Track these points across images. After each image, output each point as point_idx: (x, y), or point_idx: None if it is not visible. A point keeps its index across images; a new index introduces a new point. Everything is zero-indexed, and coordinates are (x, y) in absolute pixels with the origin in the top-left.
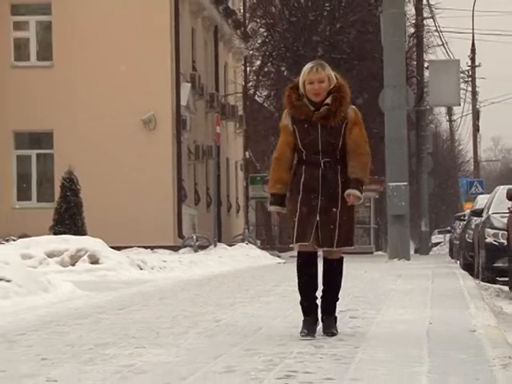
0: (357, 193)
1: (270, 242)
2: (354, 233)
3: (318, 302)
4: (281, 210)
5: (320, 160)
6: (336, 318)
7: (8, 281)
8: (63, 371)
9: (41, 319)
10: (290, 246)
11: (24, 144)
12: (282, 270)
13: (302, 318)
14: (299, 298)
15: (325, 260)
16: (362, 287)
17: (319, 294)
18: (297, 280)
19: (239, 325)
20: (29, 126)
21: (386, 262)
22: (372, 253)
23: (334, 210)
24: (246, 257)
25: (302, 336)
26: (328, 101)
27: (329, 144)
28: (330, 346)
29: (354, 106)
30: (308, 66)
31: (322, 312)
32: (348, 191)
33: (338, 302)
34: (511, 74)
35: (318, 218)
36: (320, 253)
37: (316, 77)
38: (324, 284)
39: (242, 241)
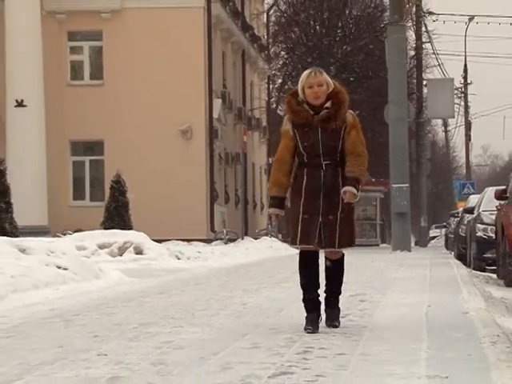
0: (353, 190)
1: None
2: (356, 232)
3: (321, 298)
4: (279, 212)
5: (321, 162)
6: (339, 309)
7: (65, 269)
8: (112, 346)
9: (93, 302)
10: (292, 247)
11: (79, 151)
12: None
13: (305, 315)
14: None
15: (326, 259)
16: (369, 275)
17: (321, 291)
18: (299, 278)
19: (263, 307)
20: (83, 136)
21: (390, 253)
22: (378, 245)
23: (336, 211)
24: (269, 248)
25: (308, 332)
26: (327, 105)
27: (329, 147)
28: (342, 325)
29: (351, 111)
30: (306, 72)
31: (326, 305)
32: (344, 188)
33: (341, 296)
34: (499, 91)
35: (320, 220)
36: (321, 251)
37: (315, 81)
38: (327, 281)
39: (266, 234)
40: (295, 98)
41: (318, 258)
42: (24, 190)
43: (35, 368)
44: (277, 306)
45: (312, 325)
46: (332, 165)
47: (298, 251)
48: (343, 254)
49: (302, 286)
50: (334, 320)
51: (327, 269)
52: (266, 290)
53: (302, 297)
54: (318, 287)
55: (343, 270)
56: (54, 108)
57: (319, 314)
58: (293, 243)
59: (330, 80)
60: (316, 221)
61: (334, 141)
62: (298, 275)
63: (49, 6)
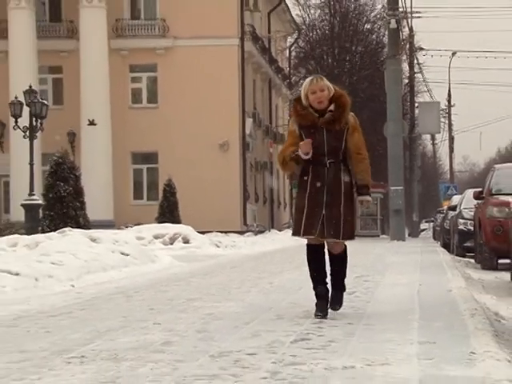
0: (368, 198)
1: None
2: (356, 226)
3: (329, 285)
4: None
5: (326, 161)
6: (344, 290)
7: (127, 255)
8: (165, 317)
9: (150, 281)
10: (294, 236)
11: (138, 160)
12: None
13: (315, 302)
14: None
15: (329, 252)
16: (372, 260)
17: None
18: (308, 270)
19: (286, 286)
20: (141, 148)
21: (388, 242)
22: (378, 236)
23: (338, 205)
24: (291, 239)
25: (318, 318)
26: (331, 108)
27: (333, 146)
28: (350, 300)
29: (352, 114)
30: (308, 79)
31: (332, 287)
32: (361, 198)
33: (349, 278)
34: (476, 112)
35: (323, 212)
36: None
37: (317, 87)
38: (332, 270)
39: (288, 227)
40: (300, 103)
41: (323, 251)
42: (94, 191)
43: (104, 334)
44: (297, 285)
45: (321, 311)
46: (335, 163)
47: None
48: (345, 248)
49: (311, 277)
50: (335, 303)
51: (331, 262)
52: (287, 272)
53: (312, 285)
54: (326, 277)
55: (346, 260)
56: (118, 126)
57: (328, 301)
58: (296, 233)
59: (330, 85)
60: (319, 213)
61: (337, 141)
62: (307, 267)
63: (114, 45)
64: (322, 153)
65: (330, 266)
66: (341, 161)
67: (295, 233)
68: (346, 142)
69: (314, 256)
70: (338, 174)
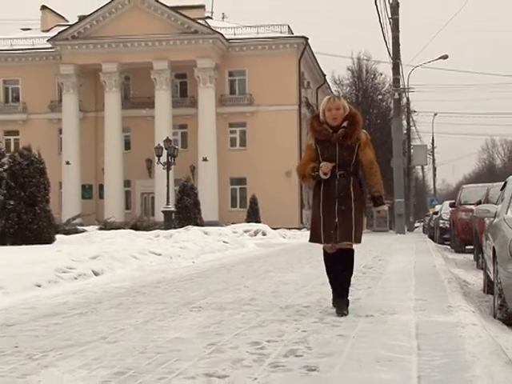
0: (385, 207)
1: None
2: (363, 231)
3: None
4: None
5: (336, 172)
6: (348, 301)
7: (227, 242)
8: (251, 282)
9: (241, 259)
10: (312, 243)
11: (233, 183)
12: None
13: (336, 299)
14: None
15: (339, 250)
16: (383, 246)
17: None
18: (325, 272)
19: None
20: (235, 175)
21: (394, 235)
22: (387, 231)
23: (349, 213)
24: None
25: (340, 316)
26: (345, 124)
27: (344, 159)
28: (369, 273)
29: (365, 131)
30: (326, 97)
31: (338, 295)
32: (378, 208)
33: (367, 259)
34: (451, 151)
35: (336, 220)
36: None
37: (333, 105)
38: (338, 276)
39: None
40: (317, 120)
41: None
42: (206, 202)
43: (212, 292)
44: None
45: (344, 309)
46: (345, 175)
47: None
48: (353, 251)
49: (329, 281)
50: (343, 309)
51: (339, 263)
52: None
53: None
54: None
55: (353, 264)
56: (221, 161)
57: (347, 299)
58: (315, 241)
59: (346, 104)
60: (333, 222)
61: (349, 155)
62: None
63: (219, 111)
64: (333, 165)
65: (338, 267)
66: (350, 173)
67: (313, 240)
68: (358, 156)
69: (330, 264)
70: (348, 184)
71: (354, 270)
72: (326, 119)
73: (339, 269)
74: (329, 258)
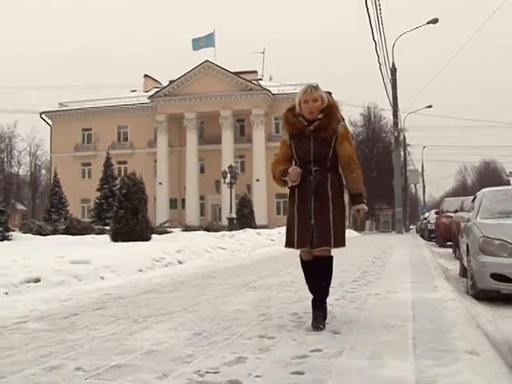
0: (364, 206)
1: (354, 225)
2: (346, 233)
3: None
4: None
5: (311, 168)
6: (325, 313)
7: (273, 240)
8: (292, 269)
9: (285, 253)
10: (286, 247)
11: (278, 197)
12: (359, 239)
13: (312, 311)
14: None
15: (316, 259)
16: (386, 245)
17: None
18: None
19: (362, 254)
20: (280, 191)
21: (395, 235)
22: (390, 232)
23: (327, 213)
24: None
25: (316, 330)
26: (320, 116)
27: (320, 154)
28: (378, 262)
29: (344, 123)
30: (303, 87)
31: (313, 307)
32: (357, 207)
33: (376, 254)
34: (436, 174)
35: (312, 222)
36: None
37: (310, 96)
38: (315, 286)
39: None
40: (291, 112)
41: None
42: (259, 211)
43: (263, 277)
44: (359, 254)
45: (320, 323)
46: (321, 171)
47: (359, 234)
48: (331, 258)
49: (309, 289)
50: (319, 322)
51: (317, 271)
52: (357, 247)
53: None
54: None
55: (332, 272)
56: (270, 181)
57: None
58: (289, 245)
59: (324, 95)
60: (308, 224)
61: (324, 149)
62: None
63: (268, 145)
64: (308, 160)
65: (316, 275)
66: (327, 169)
67: (288, 245)
68: (335, 150)
69: (307, 270)
70: (325, 181)
71: (367, 260)
72: (301, 112)
73: (316, 278)
74: (305, 265)
